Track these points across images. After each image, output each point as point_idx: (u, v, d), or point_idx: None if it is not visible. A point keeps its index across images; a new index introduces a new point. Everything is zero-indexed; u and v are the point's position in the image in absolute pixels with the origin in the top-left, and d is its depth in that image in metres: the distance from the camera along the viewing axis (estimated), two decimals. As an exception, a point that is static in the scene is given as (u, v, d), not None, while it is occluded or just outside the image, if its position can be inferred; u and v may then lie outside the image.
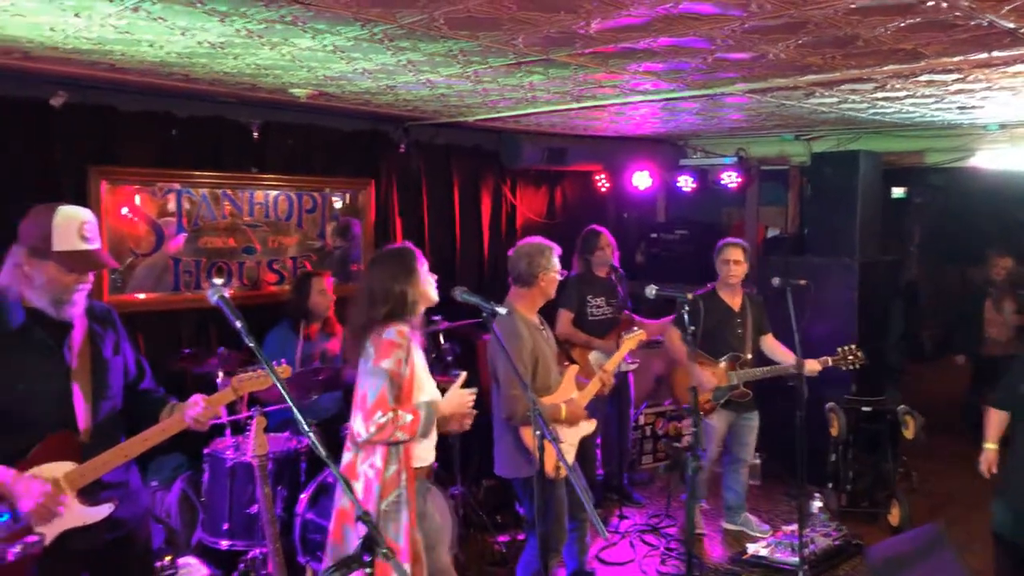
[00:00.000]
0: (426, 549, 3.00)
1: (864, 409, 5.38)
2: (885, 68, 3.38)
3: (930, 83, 3.80)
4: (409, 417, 2.84)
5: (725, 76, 3.70)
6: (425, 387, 3.01)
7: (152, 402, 2.75)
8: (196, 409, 2.57)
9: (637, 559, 4.67)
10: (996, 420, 3.52)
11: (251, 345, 2.25)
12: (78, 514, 2.43)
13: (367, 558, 2.03)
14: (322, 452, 2.16)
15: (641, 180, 6.98)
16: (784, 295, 4.30)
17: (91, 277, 2.51)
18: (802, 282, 4.37)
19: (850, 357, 4.53)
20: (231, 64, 3.70)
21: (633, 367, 5.31)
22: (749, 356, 4.76)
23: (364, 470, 2.88)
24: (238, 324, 2.29)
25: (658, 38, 2.91)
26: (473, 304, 2.88)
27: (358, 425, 2.84)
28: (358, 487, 2.84)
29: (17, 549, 2.28)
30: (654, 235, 7.30)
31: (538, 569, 3.53)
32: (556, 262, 3.64)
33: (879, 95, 4.21)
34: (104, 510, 2.49)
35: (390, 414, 2.79)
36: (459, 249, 6.32)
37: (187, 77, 4.08)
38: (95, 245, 2.50)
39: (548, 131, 6.36)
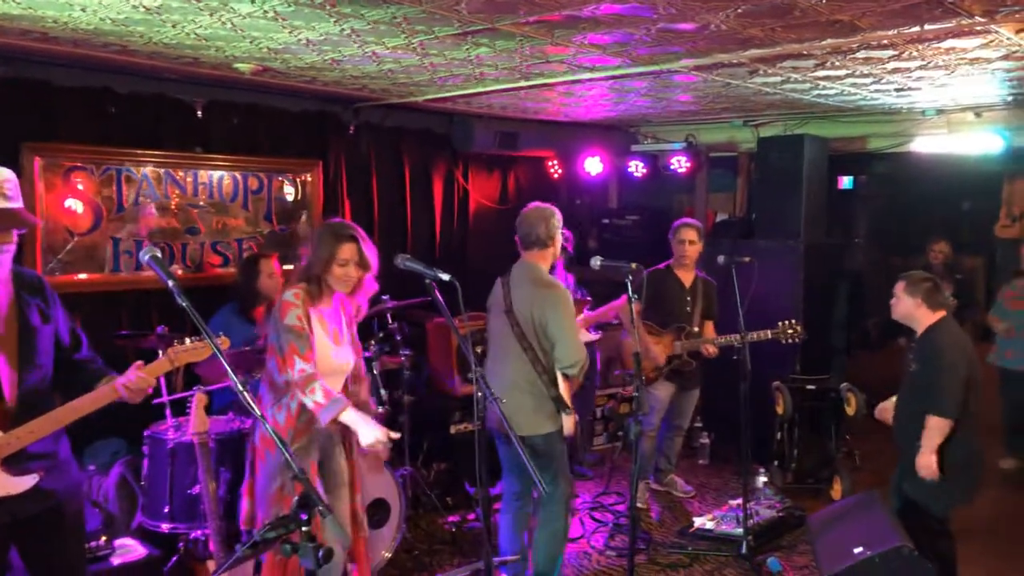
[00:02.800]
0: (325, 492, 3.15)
1: (809, 388, 5.50)
2: (823, 43, 3.45)
3: (867, 60, 3.89)
4: (320, 398, 2.98)
5: (670, 50, 3.73)
6: (323, 353, 3.10)
7: (89, 372, 2.66)
8: (130, 376, 2.49)
9: (586, 535, 4.70)
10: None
11: (184, 305, 2.20)
12: (1, 483, 2.34)
13: (304, 516, 2.00)
14: (256, 410, 2.15)
15: (593, 166, 7.03)
16: (730, 272, 4.40)
17: (14, 236, 2.42)
18: (746, 259, 4.48)
19: (790, 331, 4.65)
20: (170, 34, 3.61)
21: (595, 339, 5.38)
22: (696, 329, 4.95)
23: (273, 413, 3.07)
24: (170, 283, 2.24)
25: (600, 4, 2.92)
26: (416, 271, 2.85)
27: (275, 374, 3.05)
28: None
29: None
30: (606, 220, 7.35)
31: (564, 525, 3.67)
32: (561, 224, 3.77)
33: (820, 73, 4.29)
34: (28, 480, 2.41)
35: (299, 362, 2.97)
36: (410, 233, 6.28)
37: (124, 49, 3.97)
38: (16, 204, 2.41)
39: (500, 114, 6.35)
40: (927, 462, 3.48)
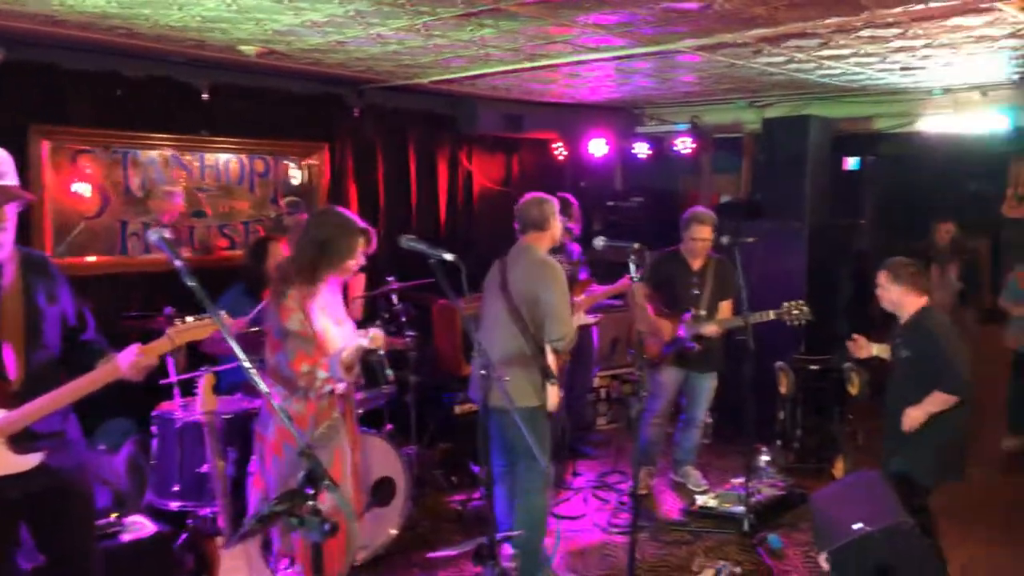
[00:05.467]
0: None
1: (812, 368, 5.52)
2: (828, 21, 3.44)
3: (872, 39, 3.88)
4: (324, 374, 3.03)
5: (674, 30, 3.73)
6: (335, 342, 3.12)
7: (92, 352, 2.69)
8: (130, 356, 2.52)
9: (589, 513, 4.75)
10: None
11: (192, 285, 2.23)
12: (7, 461, 2.39)
13: (310, 491, 2.05)
14: (263, 386, 2.17)
15: (597, 148, 7.02)
16: (733, 253, 4.41)
17: (8, 214, 2.43)
18: (750, 239, 4.48)
19: (795, 312, 4.61)
20: (175, 16, 3.63)
21: (592, 321, 5.38)
22: (703, 312, 4.82)
23: (291, 404, 3.07)
24: (178, 263, 2.27)
25: (603, -16, 2.93)
26: (419, 251, 2.87)
27: (285, 369, 3.06)
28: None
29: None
30: (611, 203, 7.36)
31: (543, 502, 3.68)
32: (556, 211, 3.81)
33: (824, 53, 4.28)
34: (34, 458, 2.45)
35: (304, 366, 3.00)
36: (415, 215, 6.31)
37: (131, 32, 3.99)
38: (9, 181, 2.43)
39: (504, 96, 6.34)
40: (916, 415, 3.59)
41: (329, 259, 3.12)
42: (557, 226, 3.78)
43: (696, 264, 4.90)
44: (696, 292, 4.87)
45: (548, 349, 3.56)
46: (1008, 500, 5.12)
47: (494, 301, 3.73)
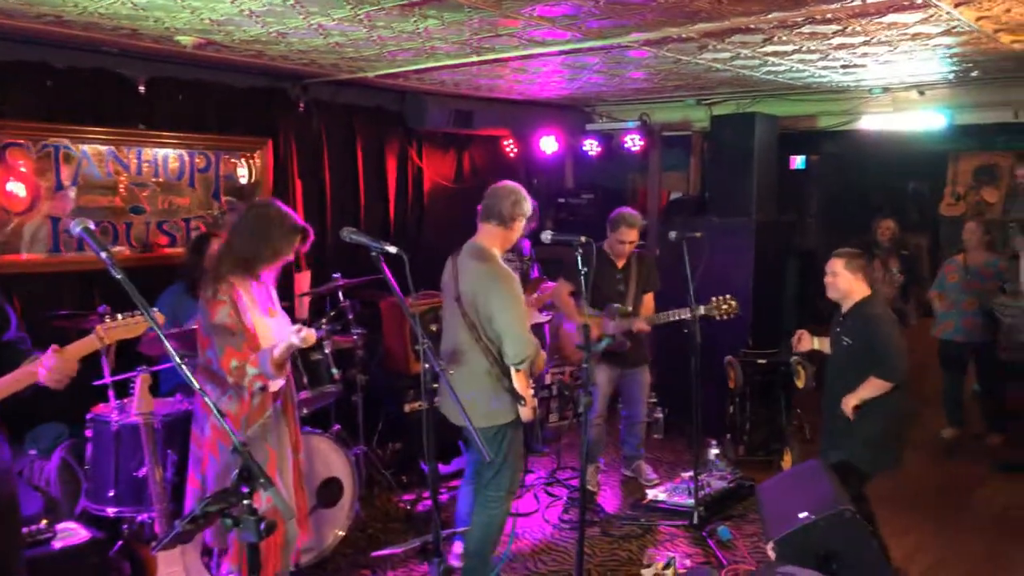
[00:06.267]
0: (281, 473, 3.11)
1: (760, 362, 5.60)
2: (770, 16, 3.47)
3: (813, 35, 3.93)
4: (254, 370, 2.95)
5: (620, 23, 3.73)
6: (267, 336, 3.05)
7: (15, 353, 2.57)
8: (50, 360, 2.39)
9: (541, 509, 4.74)
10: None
11: (119, 277, 2.13)
12: None
13: (245, 489, 1.97)
14: (195, 384, 2.09)
15: (548, 145, 7.02)
16: (681, 247, 4.44)
17: None
18: (697, 234, 4.51)
19: (724, 307, 4.66)
20: (106, 3, 3.49)
21: (546, 320, 5.37)
22: (630, 308, 4.82)
23: (225, 404, 3.00)
24: (103, 255, 2.18)
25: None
26: (362, 244, 2.81)
27: (216, 366, 2.99)
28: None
29: None
30: (561, 199, 7.37)
31: (502, 513, 3.60)
32: (529, 212, 3.62)
33: (768, 49, 4.33)
34: None
35: (234, 362, 2.93)
36: (363, 212, 6.20)
37: (59, 19, 3.83)
38: None
39: (453, 92, 6.29)
40: (852, 401, 3.70)
41: (265, 254, 3.06)
42: (519, 230, 3.60)
43: (620, 262, 4.91)
44: (621, 288, 4.89)
45: (512, 369, 3.38)
46: (949, 486, 5.26)
47: (451, 313, 3.58)
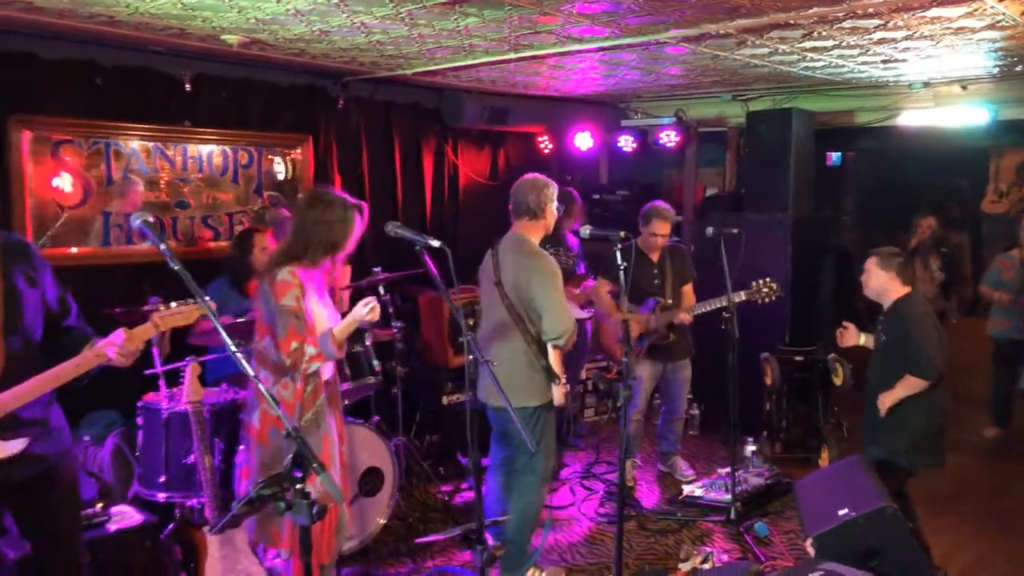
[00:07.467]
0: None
1: (797, 359, 5.56)
2: (809, 11, 3.46)
3: (854, 30, 3.91)
4: (312, 350, 3.01)
5: (659, 20, 3.74)
6: (322, 325, 3.12)
7: (75, 339, 2.66)
8: (116, 340, 2.50)
9: (577, 502, 4.77)
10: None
11: (176, 268, 2.22)
12: None
13: (298, 474, 2.04)
14: (249, 370, 2.17)
15: (583, 141, 7.04)
16: (718, 243, 4.44)
17: None
18: (734, 231, 4.52)
19: (764, 290, 4.64)
20: (157, 3, 3.59)
21: (587, 316, 5.41)
22: (669, 301, 4.86)
23: (279, 391, 3.06)
24: (162, 247, 2.27)
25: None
26: (406, 238, 2.87)
27: (273, 353, 3.04)
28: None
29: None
30: (596, 196, 7.37)
31: (539, 499, 3.67)
32: (555, 197, 3.73)
33: (807, 44, 4.31)
34: (17, 445, 2.43)
35: (294, 344, 2.97)
36: (401, 208, 6.28)
37: (111, 20, 3.94)
38: None
39: (489, 89, 6.34)
40: (888, 399, 3.69)
41: (337, 240, 3.14)
42: (552, 215, 3.71)
43: (655, 256, 4.95)
44: (657, 282, 4.91)
45: (549, 347, 3.53)
46: (991, 486, 5.19)
47: (491, 297, 3.69)
